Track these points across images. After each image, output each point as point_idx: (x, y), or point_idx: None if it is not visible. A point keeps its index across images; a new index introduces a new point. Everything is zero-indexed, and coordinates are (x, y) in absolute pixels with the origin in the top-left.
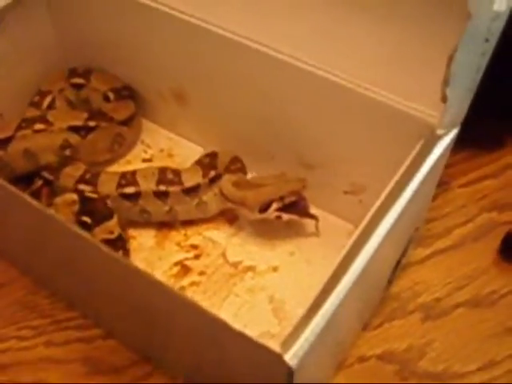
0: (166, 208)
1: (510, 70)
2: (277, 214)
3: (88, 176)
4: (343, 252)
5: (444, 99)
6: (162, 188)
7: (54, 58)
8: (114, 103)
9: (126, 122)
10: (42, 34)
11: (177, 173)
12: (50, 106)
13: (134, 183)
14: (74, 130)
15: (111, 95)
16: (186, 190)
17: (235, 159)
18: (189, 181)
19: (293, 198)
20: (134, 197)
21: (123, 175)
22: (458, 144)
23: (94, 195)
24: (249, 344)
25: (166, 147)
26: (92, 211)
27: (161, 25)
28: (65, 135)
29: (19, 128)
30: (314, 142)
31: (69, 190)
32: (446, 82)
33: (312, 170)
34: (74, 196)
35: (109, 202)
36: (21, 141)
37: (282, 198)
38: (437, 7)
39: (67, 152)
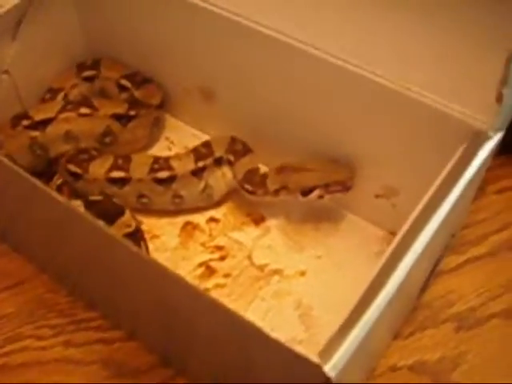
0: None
1: None
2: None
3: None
4: (382, 261)
5: (499, 99)
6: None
7: (77, 54)
8: (141, 90)
9: (161, 105)
10: (66, 30)
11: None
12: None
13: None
14: (117, 117)
15: (127, 83)
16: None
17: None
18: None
19: (338, 188)
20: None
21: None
22: None
23: (98, 197)
24: (283, 352)
25: (190, 144)
26: (102, 212)
27: (189, 19)
28: (108, 122)
29: (63, 110)
30: (347, 143)
31: (99, 181)
32: (504, 82)
33: None
34: (78, 202)
35: (115, 199)
36: (63, 123)
37: (326, 186)
38: (487, 8)
39: (107, 139)
